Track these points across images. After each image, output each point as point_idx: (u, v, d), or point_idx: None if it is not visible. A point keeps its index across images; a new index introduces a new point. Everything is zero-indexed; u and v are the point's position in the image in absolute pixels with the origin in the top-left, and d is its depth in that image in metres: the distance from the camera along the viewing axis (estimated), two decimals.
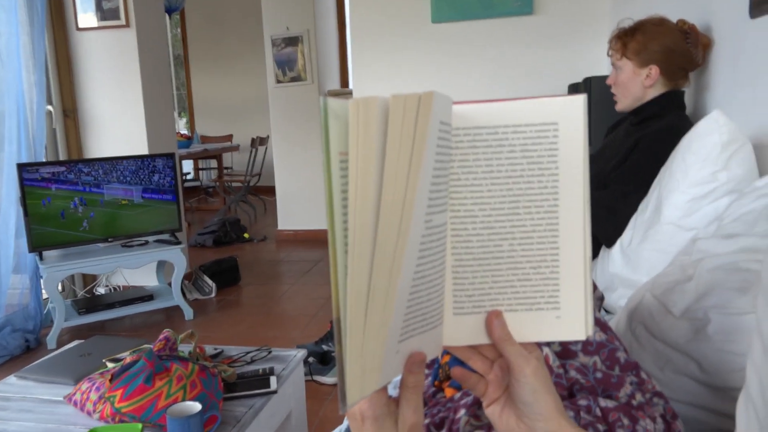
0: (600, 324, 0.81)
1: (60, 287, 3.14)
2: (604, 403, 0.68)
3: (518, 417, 0.51)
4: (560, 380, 0.72)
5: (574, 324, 0.50)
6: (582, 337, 0.50)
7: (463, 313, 0.51)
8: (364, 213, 0.42)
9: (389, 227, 0.43)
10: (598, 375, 0.73)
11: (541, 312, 0.50)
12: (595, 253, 1.74)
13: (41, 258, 2.95)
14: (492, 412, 0.53)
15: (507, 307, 0.51)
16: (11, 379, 1.64)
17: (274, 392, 1.50)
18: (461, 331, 0.52)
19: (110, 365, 1.59)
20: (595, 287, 1.02)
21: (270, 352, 1.73)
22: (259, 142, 6.15)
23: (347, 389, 0.43)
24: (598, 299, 1.04)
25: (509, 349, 0.50)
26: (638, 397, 0.72)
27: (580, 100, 0.49)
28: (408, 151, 0.43)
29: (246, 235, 5.24)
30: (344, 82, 5.71)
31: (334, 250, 0.41)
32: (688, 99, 1.77)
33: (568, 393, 0.72)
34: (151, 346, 1.70)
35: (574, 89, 2.77)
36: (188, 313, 3.27)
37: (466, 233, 0.50)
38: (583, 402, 0.68)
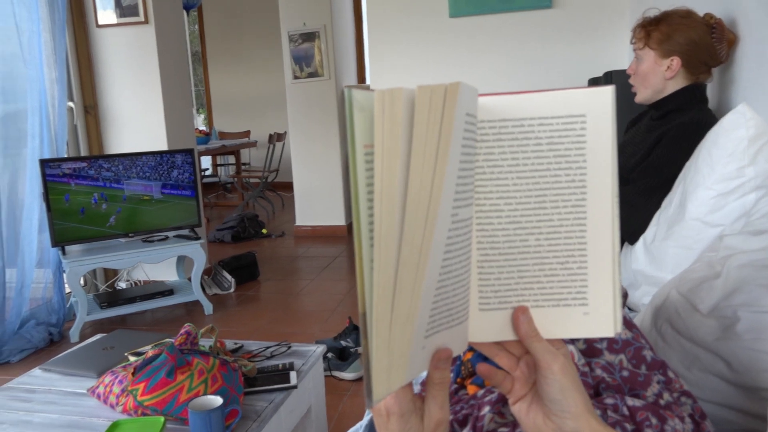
0: (625, 322, 0.80)
1: (82, 281, 3.18)
2: (631, 401, 0.67)
3: (546, 415, 0.50)
4: (586, 378, 0.71)
5: (602, 321, 0.49)
6: (611, 334, 0.49)
7: (488, 309, 0.50)
8: (390, 206, 0.42)
9: (415, 221, 0.43)
10: (625, 373, 0.72)
11: (569, 308, 0.49)
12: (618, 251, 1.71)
13: (64, 252, 2.99)
14: (518, 409, 0.52)
15: (533, 303, 0.50)
16: (36, 371, 1.67)
17: (294, 387, 1.50)
18: (487, 327, 0.51)
19: (132, 359, 1.60)
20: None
21: (290, 348, 1.74)
22: (277, 138, 6.17)
23: (373, 385, 0.42)
24: (622, 296, 1.03)
25: (536, 346, 0.49)
26: (666, 396, 0.71)
27: (609, 91, 0.48)
28: (434, 143, 0.42)
29: (264, 231, 5.27)
30: (361, 77, 5.70)
31: (360, 243, 0.41)
32: (711, 94, 1.73)
33: (594, 392, 0.71)
34: (173, 340, 1.71)
35: (594, 84, 2.73)
36: (208, 307, 3.29)
37: (491, 228, 0.49)
38: (609, 401, 0.67)
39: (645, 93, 1.70)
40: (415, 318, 0.44)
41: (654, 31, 1.65)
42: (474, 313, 0.50)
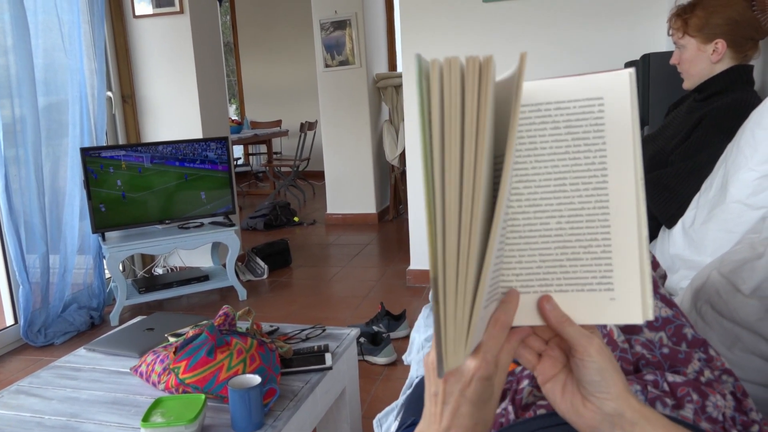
0: (665, 300, 0.79)
1: (121, 267, 3.27)
2: (671, 377, 0.67)
3: (584, 397, 0.50)
4: (625, 355, 0.71)
5: (630, 306, 0.48)
6: (639, 320, 0.48)
7: (510, 288, 0.50)
8: (455, 171, 0.42)
9: (473, 186, 0.43)
10: (665, 350, 0.72)
11: (594, 293, 0.48)
12: (655, 234, 1.69)
13: (104, 239, 3.07)
14: (551, 391, 0.52)
15: (557, 288, 0.49)
16: (81, 351, 1.73)
17: (330, 368, 1.53)
18: None
19: (172, 340, 1.65)
20: (657, 265, 1.00)
21: (324, 330, 1.76)
22: (308, 126, 6.21)
23: (448, 354, 0.43)
24: (662, 277, 1.02)
25: (569, 330, 0.49)
26: (707, 373, 0.70)
27: (626, 74, 0.47)
28: (476, 112, 0.43)
29: (296, 219, 5.32)
30: (392, 65, 5.69)
31: (431, 207, 0.42)
32: (756, 72, 1.69)
33: (633, 368, 0.71)
34: (212, 321, 1.75)
35: (631, 67, 2.68)
36: (242, 293, 3.35)
37: (511, 211, 0.49)
38: (649, 377, 0.67)
39: (693, 80, 1.66)
40: (483, 288, 0.44)
41: (691, 18, 1.61)
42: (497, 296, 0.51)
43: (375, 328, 2.63)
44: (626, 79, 0.47)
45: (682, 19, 1.64)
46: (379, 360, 2.44)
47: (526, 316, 0.51)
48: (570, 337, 0.49)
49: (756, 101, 1.54)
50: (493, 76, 0.42)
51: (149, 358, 1.50)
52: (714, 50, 1.60)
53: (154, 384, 1.43)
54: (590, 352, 0.49)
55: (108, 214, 3.05)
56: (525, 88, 0.49)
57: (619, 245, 0.48)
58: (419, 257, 3.44)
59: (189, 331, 1.50)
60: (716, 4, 1.58)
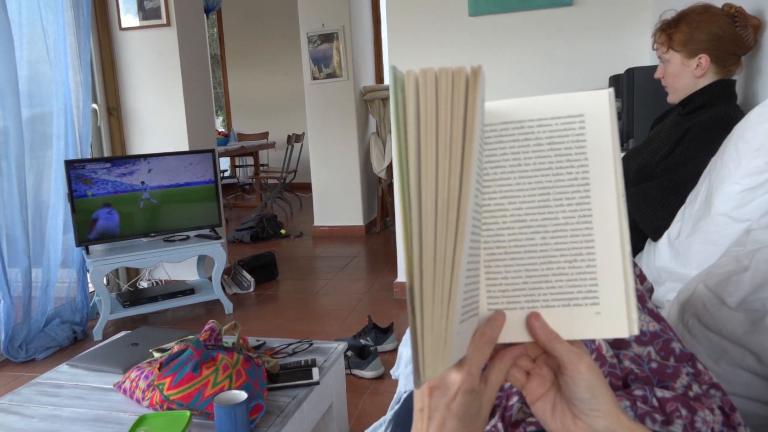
0: (653, 314, 0.79)
1: (105, 281, 3.22)
2: (660, 393, 0.67)
3: (575, 415, 0.50)
4: (614, 370, 0.71)
5: (615, 320, 0.48)
6: (625, 334, 0.48)
7: (497, 308, 0.50)
8: (431, 181, 0.43)
9: (450, 196, 0.43)
10: (653, 365, 0.72)
11: (580, 308, 0.49)
12: (641, 247, 1.70)
13: (88, 252, 3.03)
14: (541, 410, 0.52)
15: (543, 303, 0.49)
16: (63, 367, 1.70)
17: (317, 383, 1.51)
18: None
19: (157, 355, 1.63)
20: (644, 278, 1.00)
21: (311, 345, 1.75)
22: (295, 139, 6.20)
23: (425, 365, 0.43)
24: (649, 290, 1.02)
25: (559, 348, 0.49)
26: (695, 388, 0.70)
27: (605, 94, 0.49)
28: (461, 124, 0.43)
29: (283, 231, 5.30)
30: (379, 78, 5.72)
31: (406, 216, 0.42)
32: (738, 86, 1.71)
33: (622, 383, 0.71)
34: (198, 336, 1.73)
35: (615, 81, 2.71)
36: (228, 306, 3.32)
37: (497, 227, 0.50)
38: (638, 392, 0.67)
39: (678, 94, 1.69)
40: (456, 297, 0.44)
41: (675, 33, 1.63)
42: (483, 314, 0.50)
43: (362, 341, 2.62)
44: (605, 98, 0.49)
45: (666, 34, 1.66)
46: (367, 374, 2.42)
47: (514, 332, 0.50)
48: (560, 354, 0.49)
49: (739, 115, 1.56)
50: (467, 87, 0.43)
51: (133, 374, 1.47)
52: (698, 65, 1.62)
53: (138, 400, 1.40)
54: (581, 370, 0.48)
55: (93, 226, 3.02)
56: (508, 106, 0.50)
57: (603, 259, 0.48)
58: None
59: (174, 347, 1.48)
60: (700, 20, 1.60)
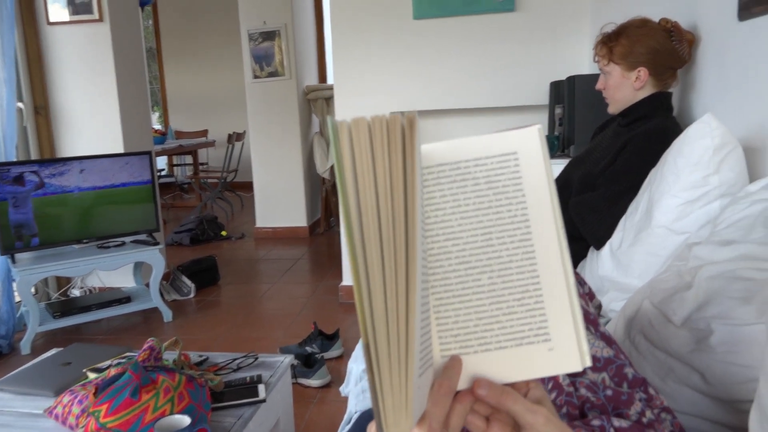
0: (605, 338, 0.80)
1: (33, 290, 3.05)
2: (618, 422, 0.67)
3: None
4: (571, 399, 0.71)
5: (568, 355, 0.48)
6: (578, 368, 0.48)
7: (450, 355, 0.49)
8: (373, 230, 0.42)
9: (396, 247, 0.42)
10: (608, 392, 0.72)
11: (532, 346, 0.48)
12: (584, 254, 1.74)
13: (13, 261, 2.86)
14: None
15: (496, 345, 0.49)
16: None
17: (263, 401, 1.47)
18: None
19: (92, 375, 1.54)
20: (593, 296, 1.02)
21: (256, 359, 1.70)
22: (236, 137, 6.07)
23: (388, 426, 0.42)
24: (597, 307, 1.03)
25: (512, 408, 0.48)
26: (648, 414, 0.71)
27: (535, 130, 0.49)
28: (401, 171, 0.43)
29: (224, 233, 5.18)
30: (322, 77, 5.65)
31: (356, 272, 0.41)
32: (674, 98, 1.77)
33: (579, 412, 0.71)
34: (136, 355, 1.66)
35: (555, 86, 2.77)
36: (167, 314, 3.21)
37: (442, 270, 0.49)
38: (596, 422, 0.67)
39: (618, 105, 1.73)
40: (413, 352, 0.43)
41: (615, 46, 1.67)
42: (437, 361, 0.49)
43: (308, 349, 2.58)
44: (535, 135, 0.49)
45: (607, 47, 1.70)
46: (313, 383, 2.38)
47: (468, 379, 0.49)
48: (515, 414, 0.48)
49: (675, 127, 1.62)
50: (404, 135, 0.42)
51: (66, 398, 1.39)
52: (637, 77, 1.67)
53: (71, 427, 1.32)
54: (539, 423, 0.48)
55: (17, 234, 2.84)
56: (443, 148, 0.50)
57: (550, 294, 0.48)
58: None
59: (111, 369, 1.40)
60: (639, 34, 1.65)
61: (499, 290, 0.48)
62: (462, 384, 0.49)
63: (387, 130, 0.42)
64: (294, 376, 2.40)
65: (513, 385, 0.50)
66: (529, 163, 0.49)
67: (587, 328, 0.80)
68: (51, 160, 2.92)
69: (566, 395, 0.71)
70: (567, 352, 0.48)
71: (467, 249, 0.49)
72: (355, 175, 0.41)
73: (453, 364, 0.48)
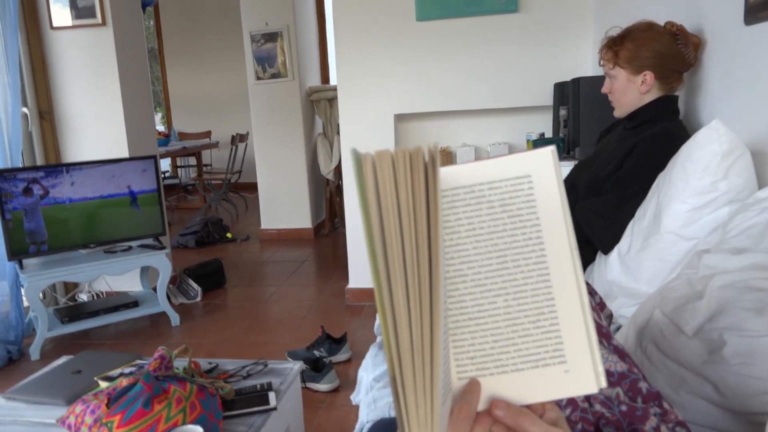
0: (618, 352, 0.80)
1: (41, 296, 3.06)
2: None
3: None
4: (586, 415, 0.71)
5: (583, 377, 0.49)
6: (594, 390, 0.48)
7: (467, 378, 0.50)
8: (398, 263, 0.43)
9: (419, 277, 0.43)
10: (623, 408, 0.73)
11: (548, 368, 0.49)
12: (592, 259, 1.74)
13: (21, 266, 2.87)
14: None
15: (512, 367, 0.49)
16: None
17: (274, 409, 1.47)
18: None
19: (103, 384, 1.55)
20: (604, 306, 1.02)
21: (266, 366, 1.71)
22: (240, 138, 6.07)
23: None
24: (608, 317, 1.04)
25: (532, 430, 0.49)
26: (663, 429, 0.72)
27: (548, 151, 0.50)
28: (424, 203, 0.43)
29: (229, 235, 5.18)
30: (325, 78, 5.65)
31: (382, 305, 0.42)
32: (680, 101, 1.77)
33: (594, 429, 0.71)
34: (146, 363, 1.67)
35: (559, 87, 2.77)
36: (174, 318, 3.22)
37: (458, 293, 0.49)
38: None
39: (624, 109, 1.72)
40: (437, 382, 0.44)
41: (620, 50, 1.67)
42: (455, 385, 0.50)
43: (316, 353, 2.59)
44: (548, 156, 0.49)
45: (612, 51, 1.69)
46: (322, 387, 2.39)
47: (485, 400, 0.50)
48: None
49: (681, 130, 1.61)
50: (425, 166, 0.42)
51: (78, 407, 1.40)
52: (643, 81, 1.67)
53: None
54: None
55: (25, 240, 2.85)
56: (458, 172, 0.50)
57: (565, 316, 0.49)
58: (358, 275, 3.41)
59: (122, 378, 1.41)
60: (644, 38, 1.64)
61: (514, 312, 0.49)
62: (479, 405, 0.50)
63: (410, 163, 0.42)
64: (302, 380, 2.40)
65: (529, 407, 0.50)
66: (542, 185, 0.49)
67: (600, 342, 0.80)
68: (56, 165, 2.92)
69: (581, 411, 0.71)
70: (582, 374, 0.48)
71: (482, 272, 0.49)
72: (379, 208, 0.41)
73: (472, 388, 0.49)
